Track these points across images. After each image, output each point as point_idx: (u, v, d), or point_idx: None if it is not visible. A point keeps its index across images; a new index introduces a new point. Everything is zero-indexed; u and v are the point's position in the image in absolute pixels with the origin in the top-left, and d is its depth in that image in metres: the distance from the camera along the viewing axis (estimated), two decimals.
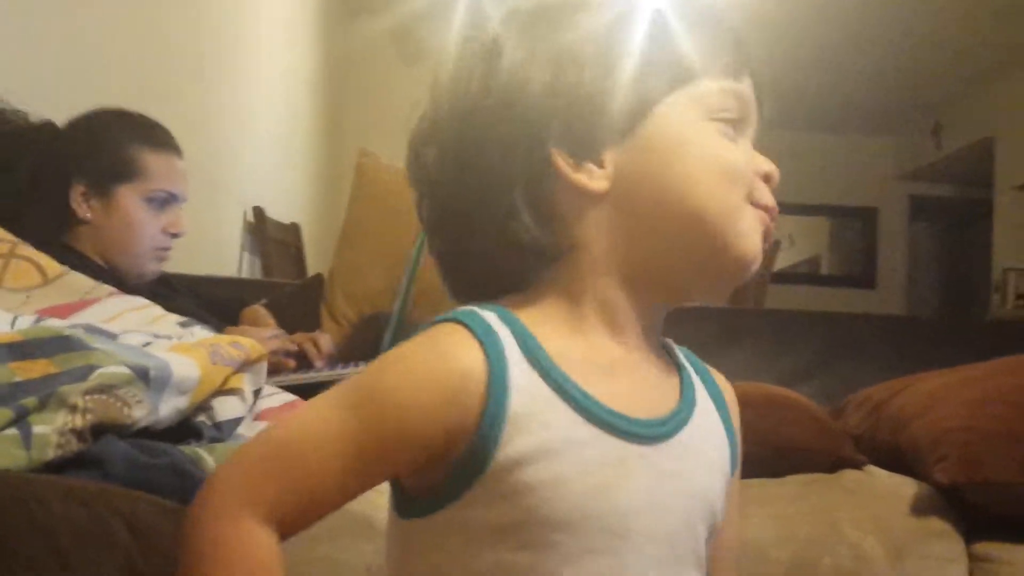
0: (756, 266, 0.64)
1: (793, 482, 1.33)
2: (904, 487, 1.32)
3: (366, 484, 0.59)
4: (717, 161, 0.63)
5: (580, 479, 0.57)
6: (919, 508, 1.28)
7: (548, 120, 0.61)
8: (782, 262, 6.75)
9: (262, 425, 1.05)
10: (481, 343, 0.58)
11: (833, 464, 1.38)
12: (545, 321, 0.61)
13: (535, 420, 0.57)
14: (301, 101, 4.59)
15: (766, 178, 0.65)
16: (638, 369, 0.64)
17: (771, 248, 3.81)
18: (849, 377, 1.92)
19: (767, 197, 0.65)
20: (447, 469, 0.57)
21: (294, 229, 3.99)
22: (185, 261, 2.07)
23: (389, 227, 1.95)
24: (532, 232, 0.61)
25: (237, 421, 1.02)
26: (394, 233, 1.91)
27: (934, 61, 5.65)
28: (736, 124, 0.65)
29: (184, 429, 0.95)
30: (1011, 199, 5.86)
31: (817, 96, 6.35)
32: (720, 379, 0.70)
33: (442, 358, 0.58)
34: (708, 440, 0.65)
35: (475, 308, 0.61)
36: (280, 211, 3.85)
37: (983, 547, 1.26)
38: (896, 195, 7.40)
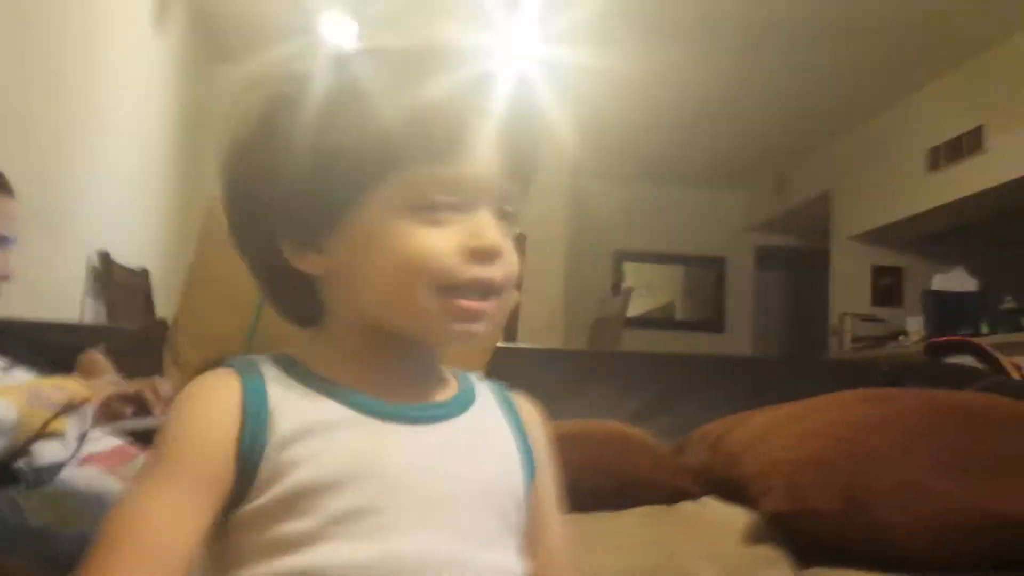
0: (455, 343, 0.69)
1: (635, 514, 1.37)
2: (737, 517, 1.37)
3: (203, 524, 0.65)
4: (400, 256, 0.66)
5: (335, 449, 0.64)
6: (751, 536, 1.34)
7: (275, 211, 0.69)
8: (638, 308, 6.98)
9: (88, 470, 1.01)
10: (237, 370, 0.68)
11: (672, 496, 1.43)
12: (320, 356, 0.70)
13: (292, 411, 0.66)
14: (157, 144, 4.47)
15: (478, 255, 0.66)
16: (404, 381, 0.71)
17: (625, 294, 3.94)
18: (694, 415, 1.98)
19: (469, 274, 0.66)
20: (236, 476, 0.64)
21: (143, 275, 3.85)
22: (21, 305, 1.96)
23: (237, 271, 1.90)
24: (283, 301, 0.75)
25: (59, 466, 0.97)
26: (242, 277, 1.86)
27: (777, 121, 6.03)
28: (451, 206, 0.66)
29: (1, 473, 0.90)
30: (846, 249, 6.27)
31: (669, 153, 6.67)
32: (521, 401, 0.78)
33: (203, 382, 0.68)
34: (487, 433, 0.73)
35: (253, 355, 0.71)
36: (129, 255, 3.71)
37: (815, 572, 1.31)
38: (743, 245, 7.81)
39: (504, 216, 0.69)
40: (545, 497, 0.76)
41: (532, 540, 0.73)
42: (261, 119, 0.71)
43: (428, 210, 0.65)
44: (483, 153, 0.67)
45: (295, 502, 0.63)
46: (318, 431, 0.65)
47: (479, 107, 0.68)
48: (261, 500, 0.64)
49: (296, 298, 0.73)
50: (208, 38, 5.17)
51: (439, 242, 0.65)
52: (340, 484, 0.64)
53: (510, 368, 0.80)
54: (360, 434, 0.66)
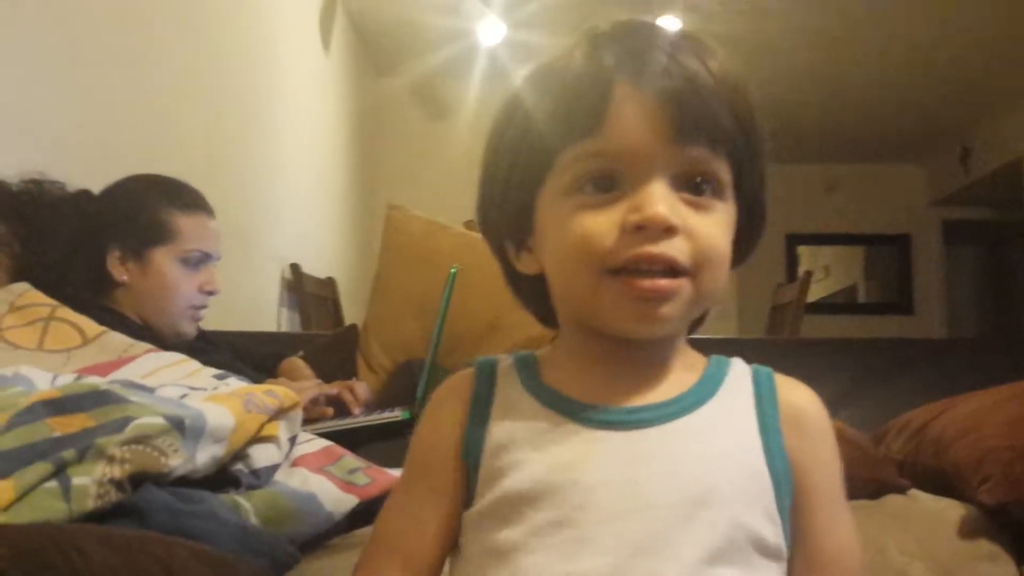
0: (641, 331, 0.65)
1: (853, 526, 1.31)
2: (950, 510, 1.29)
3: (445, 528, 0.68)
4: (564, 242, 0.64)
5: (539, 459, 0.64)
6: (966, 531, 1.25)
7: (498, 218, 0.71)
8: (818, 292, 6.70)
9: (299, 471, 1.06)
10: (475, 373, 0.71)
11: (876, 490, 1.36)
12: (553, 356, 0.72)
13: (508, 418, 0.67)
14: (331, 159, 4.68)
15: (641, 230, 0.61)
16: (621, 381, 0.67)
17: (803, 279, 3.79)
18: (888, 402, 1.89)
19: (633, 252, 0.61)
20: (464, 480, 0.68)
21: (330, 283, 4.05)
22: (224, 318, 2.10)
23: (419, 276, 1.98)
24: (526, 303, 0.75)
25: (274, 468, 1.03)
26: (424, 281, 1.93)
27: (958, 88, 5.64)
28: (604, 182, 0.63)
29: (221, 477, 0.97)
30: None
31: (846, 128, 6.36)
32: (789, 392, 0.70)
33: (443, 385, 0.73)
34: (716, 433, 0.65)
35: (502, 355, 0.73)
36: (316, 266, 3.91)
37: None
38: (928, 221, 7.34)
39: (694, 188, 0.63)
40: (819, 502, 0.67)
41: (803, 552, 0.66)
42: (487, 138, 0.72)
43: (588, 192, 0.63)
44: (630, 119, 0.62)
45: (504, 510, 0.63)
46: (527, 440, 0.65)
47: (621, 68, 0.62)
48: (479, 505, 0.65)
49: (532, 300, 0.74)
50: (371, 51, 5.37)
51: (598, 222, 0.62)
52: (541, 495, 0.62)
53: None
54: (566, 443, 0.64)
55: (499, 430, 0.66)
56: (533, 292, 0.72)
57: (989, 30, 4.78)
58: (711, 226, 0.63)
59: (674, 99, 0.62)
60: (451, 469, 0.67)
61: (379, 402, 1.74)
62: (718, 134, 0.63)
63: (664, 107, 0.62)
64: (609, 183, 0.63)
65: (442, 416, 0.70)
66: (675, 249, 0.61)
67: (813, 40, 4.78)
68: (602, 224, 0.62)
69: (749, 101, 0.66)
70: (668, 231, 0.61)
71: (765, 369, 0.71)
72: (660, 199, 0.61)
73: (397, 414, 1.54)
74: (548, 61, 0.67)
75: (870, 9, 4.59)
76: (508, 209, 0.69)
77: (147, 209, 1.64)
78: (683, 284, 0.62)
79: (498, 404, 0.68)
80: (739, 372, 0.70)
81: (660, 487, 0.62)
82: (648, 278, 0.61)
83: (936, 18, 4.68)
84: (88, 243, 1.60)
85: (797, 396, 0.69)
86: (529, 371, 0.70)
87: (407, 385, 1.72)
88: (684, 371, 0.69)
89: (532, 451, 0.64)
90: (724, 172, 0.65)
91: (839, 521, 0.69)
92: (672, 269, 0.61)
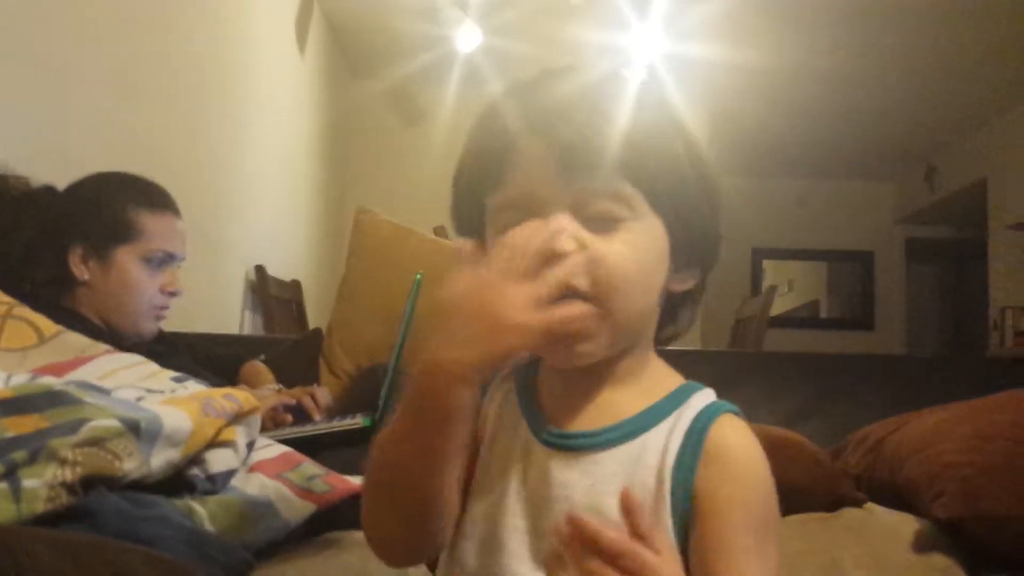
0: (563, 354, 0.69)
1: (794, 522, 1.32)
2: (904, 524, 1.31)
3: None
4: None
5: (496, 466, 0.71)
6: (920, 544, 1.27)
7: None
8: (782, 306, 6.77)
9: (256, 477, 1.05)
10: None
11: (833, 503, 1.37)
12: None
13: (495, 425, 0.74)
14: (303, 161, 4.66)
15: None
16: (577, 403, 0.71)
17: (767, 293, 3.83)
18: (848, 417, 1.91)
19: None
20: None
21: (295, 286, 4.01)
22: (186, 319, 2.08)
23: (385, 280, 1.97)
24: None
25: (230, 473, 1.02)
26: (390, 286, 1.93)
27: (926, 107, 5.73)
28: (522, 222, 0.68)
29: (176, 481, 0.95)
30: (1005, 238, 5.89)
31: (813, 144, 6.44)
32: (721, 438, 0.67)
33: None
34: (634, 469, 0.66)
35: None
36: (281, 268, 3.88)
37: None
38: (892, 238, 7.44)
39: (596, 213, 0.66)
40: (713, 548, 0.64)
41: None
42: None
43: (504, 234, 0.66)
44: (525, 169, 0.67)
45: (472, 491, 0.71)
46: (497, 449, 0.72)
47: (522, 123, 0.68)
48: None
49: None
50: (347, 55, 5.35)
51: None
52: (485, 496, 0.70)
53: None
54: (520, 457, 0.71)
55: (487, 434, 0.74)
56: None
57: (956, 52, 4.87)
58: (617, 248, 0.66)
59: (556, 140, 0.66)
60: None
61: (341, 407, 1.72)
62: (603, 161, 0.66)
63: (548, 150, 0.66)
64: (516, 223, 0.66)
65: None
66: (562, 271, 0.63)
67: (786, 60, 4.84)
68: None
69: (646, 127, 0.69)
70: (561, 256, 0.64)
71: (716, 408, 0.69)
72: (555, 226, 0.64)
73: (358, 421, 1.53)
74: (478, 116, 0.73)
75: (841, 33, 4.66)
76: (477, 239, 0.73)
77: (112, 207, 1.61)
78: (585, 309, 0.64)
79: (494, 414, 0.75)
80: (694, 404, 0.69)
81: (564, 511, 0.61)
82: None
83: (905, 41, 4.76)
84: (50, 240, 1.57)
85: (725, 439, 0.67)
86: (526, 382, 0.75)
87: (370, 390, 1.71)
88: (639, 394, 0.70)
89: (494, 458, 0.72)
90: (624, 192, 0.67)
91: (733, 570, 0.64)
92: (573, 293, 0.64)
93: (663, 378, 0.72)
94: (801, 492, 1.36)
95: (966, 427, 1.41)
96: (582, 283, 0.64)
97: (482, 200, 0.70)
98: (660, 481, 0.65)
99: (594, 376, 0.70)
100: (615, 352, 0.69)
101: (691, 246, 0.72)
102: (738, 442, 0.67)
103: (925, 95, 5.51)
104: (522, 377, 0.75)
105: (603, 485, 0.66)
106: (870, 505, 1.38)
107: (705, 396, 0.70)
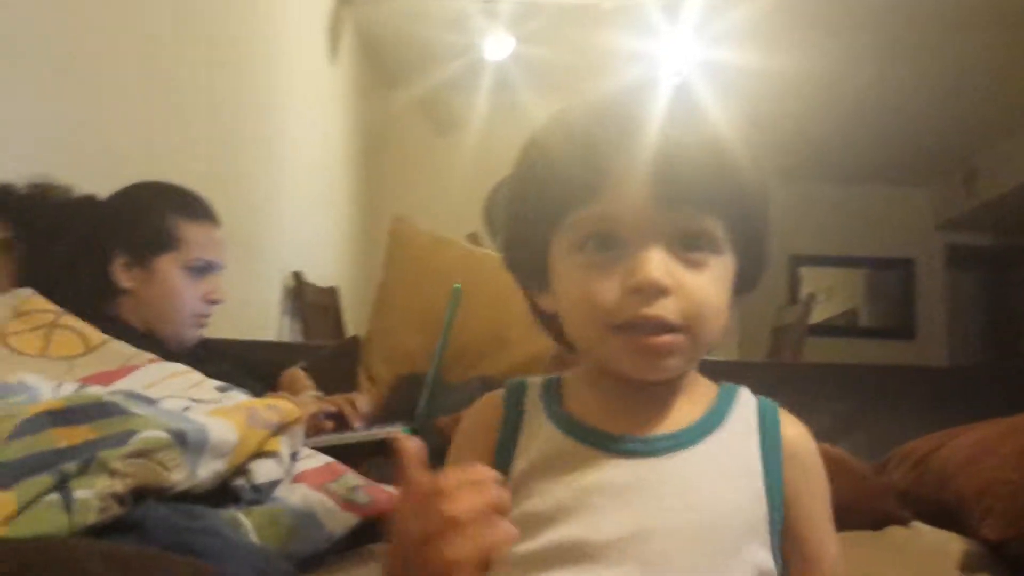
0: (647, 377, 0.71)
1: (839, 540, 1.30)
2: (951, 543, 1.28)
3: None
4: (573, 298, 0.71)
5: (559, 485, 0.70)
6: (968, 565, 1.24)
7: (521, 259, 0.78)
8: (820, 315, 6.68)
9: (300, 487, 1.06)
10: (504, 395, 0.78)
11: (878, 521, 1.35)
12: (578, 381, 0.78)
13: (532, 447, 0.73)
14: (338, 169, 4.69)
15: (635, 290, 0.67)
16: (636, 411, 0.73)
17: (806, 301, 3.79)
18: (891, 431, 1.88)
19: (631, 312, 0.67)
20: None
21: (332, 292, 4.04)
22: (226, 326, 2.10)
23: (422, 290, 1.98)
24: (549, 332, 0.80)
25: (275, 483, 1.02)
26: (427, 295, 1.93)
27: (964, 111, 5.64)
28: (605, 241, 0.69)
29: (223, 492, 0.96)
30: None
31: (850, 149, 6.37)
32: (789, 424, 0.76)
33: (475, 404, 0.80)
34: (721, 463, 0.71)
35: (532, 377, 0.80)
36: (318, 275, 3.91)
37: None
38: (932, 244, 7.32)
39: (688, 247, 0.69)
40: (813, 529, 0.75)
41: (801, 570, 0.74)
42: (511, 183, 0.77)
43: (590, 251, 0.69)
44: (627, 188, 0.68)
45: (523, 527, 0.67)
46: (550, 466, 0.71)
47: (621, 140, 0.68)
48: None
49: (553, 331, 0.79)
50: (377, 64, 5.38)
51: (601, 283, 0.68)
52: (560, 515, 0.69)
53: None
54: (585, 469, 0.70)
55: (523, 459, 0.73)
56: (556, 324, 0.78)
57: (996, 54, 4.79)
58: (704, 283, 0.69)
59: (663, 171, 0.68)
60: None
61: (380, 416, 1.73)
62: (705, 199, 0.69)
63: (654, 178, 0.68)
64: (609, 242, 0.69)
65: (471, 445, 0.76)
66: (667, 310, 0.67)
67: (821, 65, 4.79)
68: (604, 284, 0.68)
69: (737, 162, 0.71)
70: (661, 292, 0.67)
71: (770, 403, 0.77)
72: (653, 264, 0.67)
73: (398, 430, 1.54)
74: (557, 121, 0.73)
75: (877, 37, 4.61)
76: (527, 255, 0.76)
77: (153, 216, 1.63)
78: (679, 339, 0.68)
79: (525, 433, 0.75)
80: (745, 403, 0.76)
81: (669, 513, 0.68)
82: (647, 335, 0.67)
83: (943, 44, 4.69)
84: (92, 249, 1.59)
85: (795, 432, 0.76)
86: (553, 397, 0.76)
87: (408, 399, 1.71)
88: (693, 403, 0.75)
89: (554, 476, 0.70)
90: (716, 229, 0.71)
91: (829, 541, 0.76)
92: (660, 328, 0.67)
93: (704, 385, 0.78)
94: (845, 509, 1.32)
95: (1013, 442, 1.38)
96: (675, 319, 0.67)
97: (560, 213, 0.71)
98: (752, 472, 0.72)
99: (654, 387, 0.73)
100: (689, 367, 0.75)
101: (753, 275, 0.77)
102: (806, 437, 0.76)
103: (964, 98, 5.42)
104: (547, 404, 0.76)
105: (698, 479, 0.70)
106: (916, 523, 1.35)
107: (746, 393, 0.78)
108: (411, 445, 0.61)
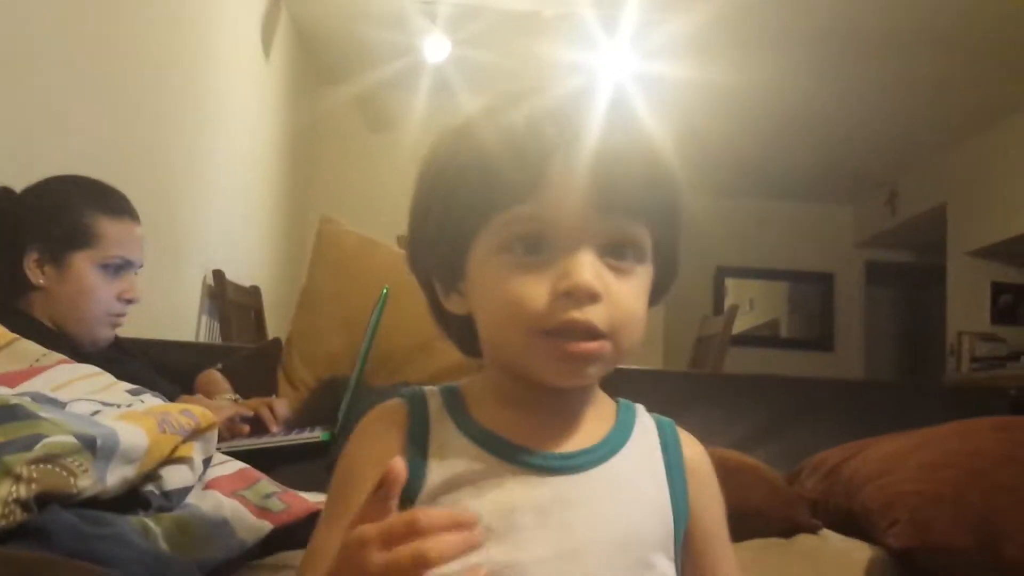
0: (568, 384, 0.70)
1: (749, 547, 1.33)
2: (858, 552, 1.32)
3: None
4: (497, 301, 0.68)
5: (478, 505, 0.66)
6: (873, 573, 1.29)
7: (428, 256, 0.74)
8: (742, 325, 6.83)
9: (212, 494, 1.04)
10: (407, 405, 0.73)
11: (788, 529, 1.39)
12: (480, 391, 0.75)
13: (445, 462, 0.69)
14: (266, 165, 4.62)
15: (569, 297, 0.65)
16: (550, 424, 0.71)
17: (729, 313, 3.86)
18: (805, 441, 1.93)
19: (563, 317, 0.65)
20: None
21: (254, 292, 3.97)
22: (143, 326, 2.05)
23: (348, 292, 1.96)
24: (452, 336, 0.78)
25: (186, 490, 1.00)
26: (353, 298, 1.91)
27: (889, 131, 5.82)
28: (542, 249, 0.67)
29: (132, 498, 0.94)
30: (963, 264, 6.00)
31: (778, 166, 6.52)
32: (688, 440, 0.77)
33: (373, 415, 0.74)
34: (632, 479, 0.71)
35: (428, 387, 0.75)
36: (241, 274, 3.83)
37: None
38: (853, 260, 7.56)
39: (618, 255, 0.68)
40: (709, 544, 0.75)
41: None
42: (420, 175, 0.74)
43: (520, 254, 0.67)
44: (565, 191, 0.66)
45: None
46: (467, 482, 0.68)
47: (559, 143, 0.67)
48: None
49: (458, 335, 0.77)
50: (313, 61, 5.32)
51: (530, 286, 0.66)
52: (484, 537, 0.63)
53: (610, 390, 0.79)
54: (505, 487, 0.67)
55: (437, 473, 0.69)
56: (460, 329, 0.76)
57: (919, 78, 4.96)
58: (630, 292, 0.68)
59: (601, 177, 0.67)
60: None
61: (299, 420, 1.71)
62: (639, 206, 0.69)
63: (593, 183, 0.66)
64: (540, 245, 0.67)
65: (378, 445, 0.70)
66: (596, 316, 0.66)
67: (755, 81, 4.90)
68: (533, 288, 0.66)
69: (670, 173, 0.71)
70: (593, 298, 0.65)
71: (667, 420, 0.78)
72: (588, 268, 0.66)
73: (317, 435, 1.52)
74: (487, 117, 0.70)
75: (807, 56, 4.73)
76: (439, 252, 0.72)
77: (70, 211, 1.59)
78: (605, 346, 0.67)
79: (434, 446, 0.70)
80: (644, 420, 0.76)
81: (590, 531, 0.67)
82: (574, 341, 0.66)
83: (869, 65, 4.84)
84: (5, 243, 1.54)
85: (695, 450, 0.77)
86: (459, 409, 0.73)
87: (329, 403, 1.69)
88: (600, 418, 0.74)
89: (474, 494, 0.67)
90: (645, 238, 0.70)
91: (726, 554, 0.76)
92: (590, 334, 0.66)
93: (604, 398, 0.77)
94: (756, 517, 1.37)
95: (920, 455, 1.43)
96: (603, 326, 0.66)
97: (490, 210, 0.68)
98: (660, 487, 0.72)
99: (565, 399, 0.72)
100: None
101: (665, 285, 0.76)
102: (704, 455, 0.77)
103: (888, 119, 5.60)
104: (453, 415, 0.72)
105: (614, 496, 0.69)
106: (825, 532, 1.39)
107: (642, 409, 0.78)
108: (399, 468, 0.57)
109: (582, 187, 0.66)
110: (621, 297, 0.67)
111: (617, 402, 0.77)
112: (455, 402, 0.73)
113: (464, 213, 0.69)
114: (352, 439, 0.73)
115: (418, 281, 0.77)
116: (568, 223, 0.66)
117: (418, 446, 0.70)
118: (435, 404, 0.73)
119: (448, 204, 0.70)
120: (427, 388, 0.75)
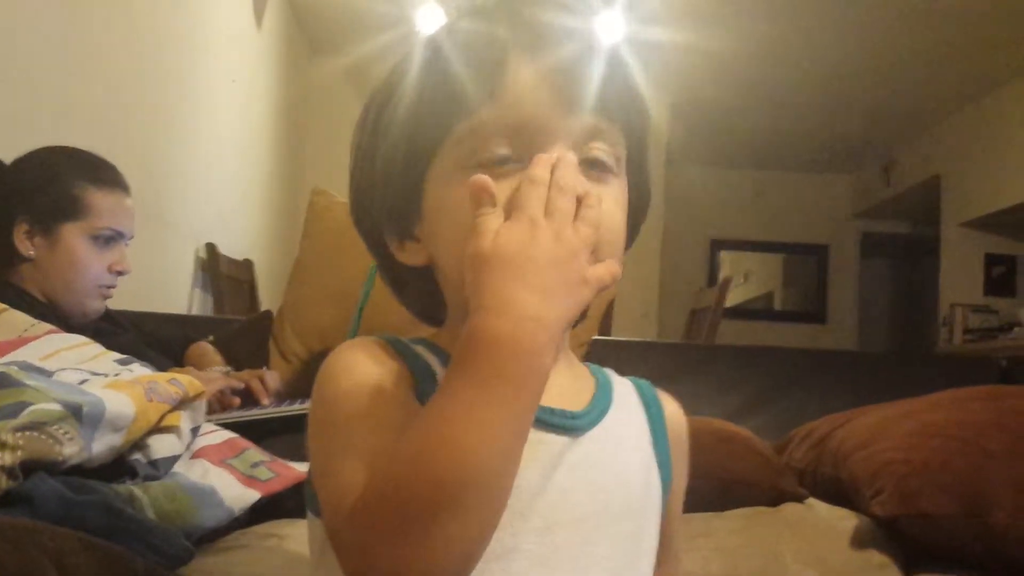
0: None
1: (736, 516, 1.34)
2: (844, 520, 1.33)
3: None
4: (462, 224, 0.58)
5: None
6: (859, 541, 1.30)
7: (377, 205, 0.67)
8: (736, 297, 6.84)
9: (200, 463, 1.04)
10: (394, 348, 0.62)
11: (775, 498, 1.39)
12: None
13: None
14: (258, 137, 4.59)
15: None
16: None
17: (722, 285, 3.87)
18: (796, 411, 1.94)
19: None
20: None
21: (247, 265, 3.96)
22: (135, 298, 2.05)
23: (340, 264, 1.95)
24: (410, 301, 0.72)
25: (174, 459, 1.01)
26: (345, 270, 1.91)
27: (885, 102, 5.81)
28: (501, 154, 0.61)
29: (118, 467, 0.94)
30: (957, 235, 6.01)
31: (767, 136, 6.50)
32: (667, 400, 0.72)
33: (375, 360, 0.60)
34: (624, 443, 0.66)
35: (400, 337, 0.65)
36: (234, 247, 3.83)
37: None
38: (848, 232, 7.56)
39: (592, 163, 0.62)
40: (675, 507, 0.71)
41: (660, 550, 0.68)
42: (360, 119, 0.68)
43: (485, 165, 0.60)
44: (527, 87, 0.60)
45: None
46: None
47: (517, 41, 0.61)
48: None
49: (417, 295, 0.70)
50: (306, 31, 5.28)
51: (500, 198, 0.57)
52: (530, 501, 0.59)
53: (603, 362, 0.75)
54: (534, 444, 0.58)
55: None
56: (418, 286, 0.69)
57: (915, 48, 4.94)
58: (609, 197, 0.62)
59: (570, 67, 0.61)
60: (404, 404, 0.58)
61: (290, 392, 1.71)
62: (613, 103, 0.63)
63: (560, 76, 0.61)
64: (506, 155, 0.60)
65: (380, 365, 0.59)
66: None
67: (752, 50, 4.87)
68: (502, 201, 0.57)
69: (634, 78, 0.66)
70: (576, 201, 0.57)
71: (646, 382, 0.72)
72: (568, 164, 0.58)
73: (307, 406, 1.52)
74: (433, 34, 0.65)
75: (803, 25, 4.70)
76: (391, 193, 0.65)
77: (60, 182, 1.58)
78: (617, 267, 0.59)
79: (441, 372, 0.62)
80: (620, 380, 0.71)
81: (588, 496, 0.61)
82: None
83: (866, 36, 4.82)
84: None
85: (675, 410, 0.72)
86: (446, 361, 0.62)
87: None
88: (583, 377, 0.69)
89: None
90: (620, 145, 0.64)
91: (679, 530, 0.73)
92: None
93: (575, 358, 0.70)
94: (744, 486, 1.38)
95: (907, 424, 1.44)
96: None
97: (447, 123, 0.61)
98: (647, 449, 0.68)
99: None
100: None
101: (641, 209, 0.70)
102: (682, 415, 0.72)
103: (884, 90, 5.58)
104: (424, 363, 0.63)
105: (615, 456, 0.64)
106: (811, 501, 1.40)
107: (613, 372, 0.72)
108: (484, 178, 0.55)
109: (545, 84, 0.60)
110: (603, 206, 0.59)
111: (587, 364, 0.71)
112: (440, 354, 0.64)
113: (417, 136, 0.63)
114: (335, 370, 0.61)
115: (366, 242, 0.70)
116: (534, 125, 0.60)
117: (422, 367, 0.62)
118: (425, 352, 0.64)
119: (398, 135, 0.64)
120: (405, 339, 0.65)
